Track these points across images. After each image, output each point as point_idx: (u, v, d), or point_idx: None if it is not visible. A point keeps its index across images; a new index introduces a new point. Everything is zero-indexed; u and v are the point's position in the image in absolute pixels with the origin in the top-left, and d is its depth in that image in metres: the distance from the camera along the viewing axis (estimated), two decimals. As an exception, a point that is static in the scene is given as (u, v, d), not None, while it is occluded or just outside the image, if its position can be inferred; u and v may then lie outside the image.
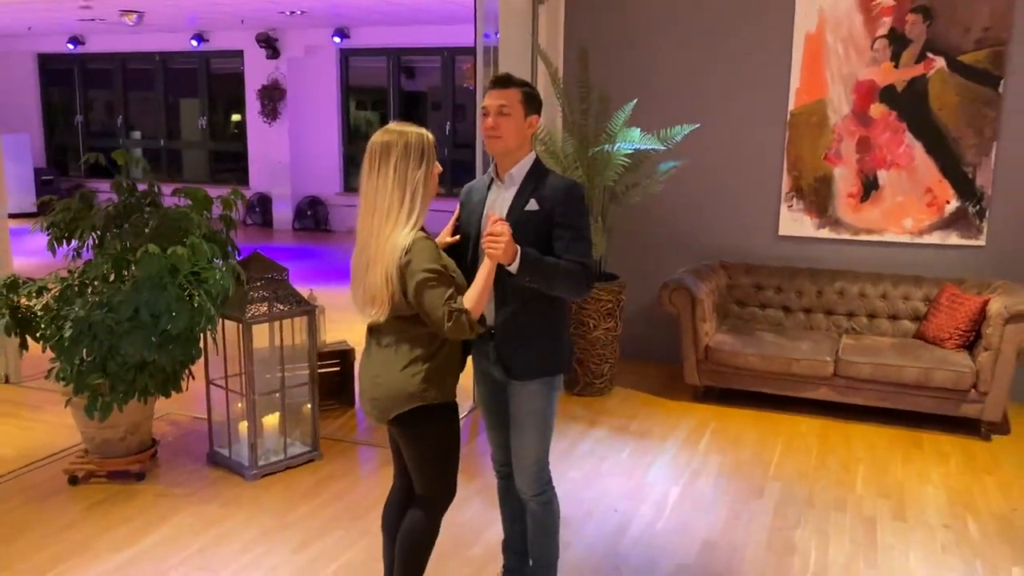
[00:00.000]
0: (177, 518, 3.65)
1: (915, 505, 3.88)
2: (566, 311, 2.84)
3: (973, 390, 4.59)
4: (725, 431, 4.75)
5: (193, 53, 13.43)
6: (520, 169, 2.72)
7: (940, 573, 3.30)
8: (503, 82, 2.70)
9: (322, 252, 10.76)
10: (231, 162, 13.69)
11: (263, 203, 13.01)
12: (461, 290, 2.48)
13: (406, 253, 2.40)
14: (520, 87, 2.70)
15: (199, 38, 13.06)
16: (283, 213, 12.88)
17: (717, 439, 4.63)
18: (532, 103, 2.70)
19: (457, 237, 2.77)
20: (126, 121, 14.63)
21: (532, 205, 2.66)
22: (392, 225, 2.44)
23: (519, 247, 2.52)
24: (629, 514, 3.75)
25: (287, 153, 12.86)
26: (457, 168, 11.72)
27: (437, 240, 2.62)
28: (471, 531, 3.54)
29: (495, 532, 3.35)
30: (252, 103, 12.94)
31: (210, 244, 3.86)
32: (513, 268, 2.51)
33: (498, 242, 2.46)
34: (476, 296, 2.46)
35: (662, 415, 4.98)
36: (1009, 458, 4.43)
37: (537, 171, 2.74)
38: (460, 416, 2.64)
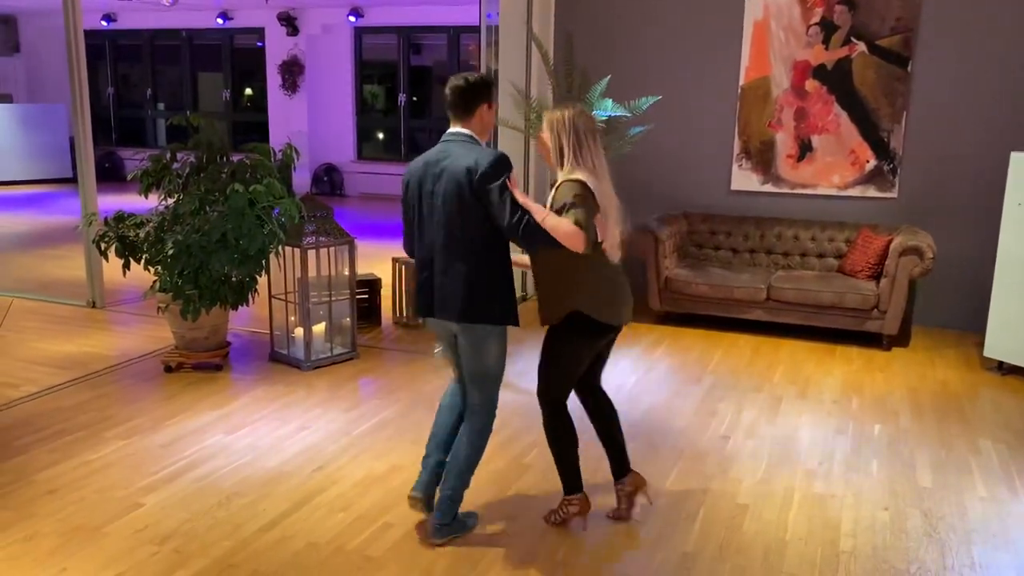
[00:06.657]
0: (253, 392, 4.83)
1: (816, 390, 5.05)
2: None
3: (875, 309, 5.75)
4: (678, 344, 5.92)
5: (218, 30, 14.47)
6: None
7: (821, 428, 4.48)
8: None
9: (338, 214, 11.84)
10: (252, 132, 14.77)
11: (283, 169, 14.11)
12: None
13: None
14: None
15: (224, 16, 14.10)
16: (301, 179, 13.95)
17: (670, 349, 5.80)
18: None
19: None
20: (154, 93, 15.72)
21: None
22: None
23: None
24: (595, 393, 4.92)
25: (305, 123, 13.94)
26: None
27: None
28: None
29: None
30: (273, 77, 13.99)
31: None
32: None
33: None
34: None
35: (629, 333, 6.14)
36: (900, 362, 5.60)
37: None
38: None
